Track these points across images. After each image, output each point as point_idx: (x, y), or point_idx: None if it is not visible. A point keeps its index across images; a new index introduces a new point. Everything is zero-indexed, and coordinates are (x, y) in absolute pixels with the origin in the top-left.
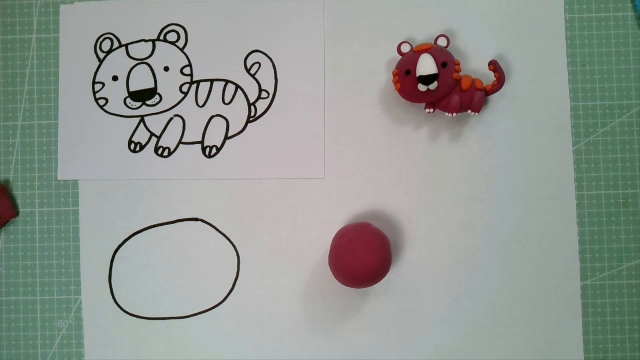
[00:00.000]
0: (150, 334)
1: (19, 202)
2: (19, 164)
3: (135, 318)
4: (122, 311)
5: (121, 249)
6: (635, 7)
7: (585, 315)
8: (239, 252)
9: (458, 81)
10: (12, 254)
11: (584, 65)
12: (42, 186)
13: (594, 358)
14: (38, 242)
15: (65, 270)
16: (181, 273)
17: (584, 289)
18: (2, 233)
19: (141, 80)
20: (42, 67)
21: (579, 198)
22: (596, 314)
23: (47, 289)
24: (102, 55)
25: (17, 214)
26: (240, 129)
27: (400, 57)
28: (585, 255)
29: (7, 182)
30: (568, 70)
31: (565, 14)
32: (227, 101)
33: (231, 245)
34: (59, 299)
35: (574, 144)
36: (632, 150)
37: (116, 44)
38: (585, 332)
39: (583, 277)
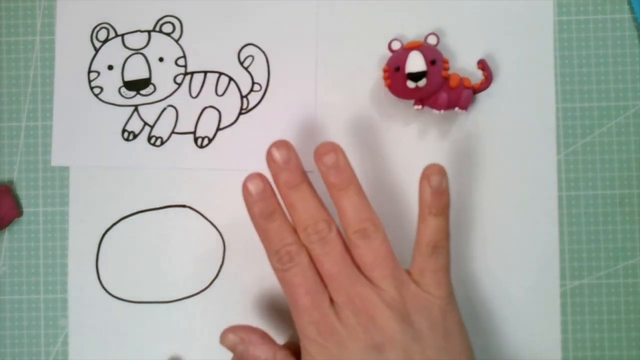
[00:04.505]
0: (134, 317)
1: (23, 202)
2: (23, 164)
3: (120, 301)
4: (107, 294)
5: (109, 232)
6: (631, 9)
7: (581, 313)
8: (225, 239)
9: (446, 79)
10: (15, 253)
11: (580, 67)
12: (46, 186)
13: (591, 356)
14: (42, 241)
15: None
16: (166, 258)
17: (580, 287)
18: (6, 233)
19: (136, 70)
20: (45, 69)
21: (576, 198)
22: (592, 313)
23: (50, 287)
24: (97, 45)
25: (20, 213)
26: (232, 120)
27: (390, 54)
28: (582, 255)
29: (10, 182)
30: (559, 72)
31: (562, 16)
32: (219, 93)
33: (217, 232)
34: (61, 297)
35: (571, 144)
36: (628, 150)
37: (112, 34)
38: (582, 330)
39: (580, 276)
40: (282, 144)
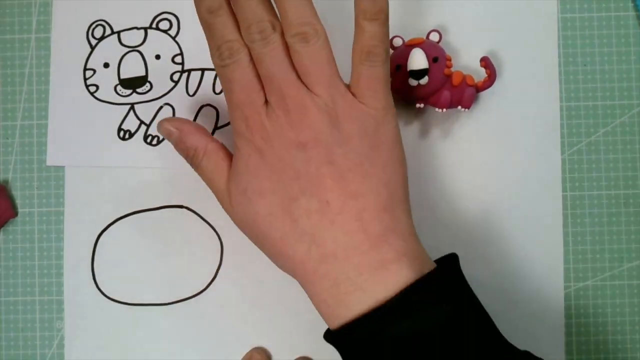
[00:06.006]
0: (130, 319)
1: (18, 202)
2: (18, 164)
3: (116, 303)
4: (103, 296)
5: (104, 233)
6: (635, 7)
7: (585, 315)
8: (222, 240)
9: (449, 76)
10: (10, 254)
11: (585, 65)
12: (41, 186)
13: (595, 359)
14: (37, 242)
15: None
16: (163, 259)
17: (584, 289)
18: (1, 233)
19: (132, 68)
20: (41, 67)
21: (580, 198)
22: (597, 315)
23: (45, 289)
24: (93, 42)
25: (16, 214)
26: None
27: (392, 51)
28: (587, 256)
29: (6, 182)
30: (563, 70)
31: (566, 14)
32: (217, 91)
33: (215, 234)
34: (57, 299)
35: (575, 143)
36: (632, 150)
37: (108, 31)
38: (586, 333)
39: (584, 278)
40: None
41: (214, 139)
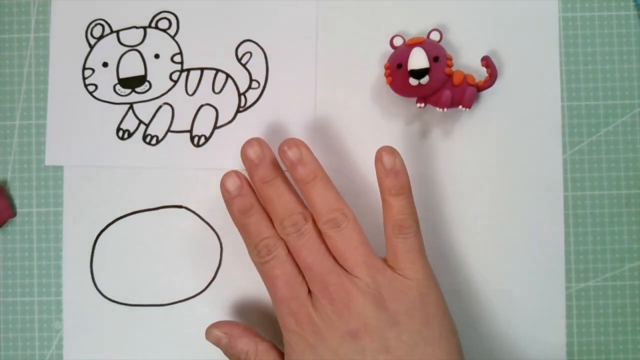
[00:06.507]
0: (129, 320)
1: (17, 202)
2: (17, 164)
3: (115, 304)
4: (102, 297)
5: (103, 233)
6: (637, 7)
7: (587, 316)
8: (222, 240)
9: (449, 76)
10: (9, 254)
11: (586, 65)
12: (40, 186)
13: (596, 359)
14: (35, 242)
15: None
16: (162, 260)
17: (586, 290)
18: (0, 233)
19: (131, 67)
20: (39, 66)
21: (581, 198)
22: (598, 315)
23: (44, 289)
24: (92, 41)
25: (14, 214)
26: (230, 118)
27: (392, 50)
28: (588, 256)
29: (4, 182)
30: (564, 69)
31: (567, 13)
32: (217, 90)
33: (214, 234)
34: (56, 299)
35: (577, 143)
36: (634, 150)
37: (107, 30)
38: (587, 334)
39: (585, 278)
40: (254, 142)
41: (264, 339)
